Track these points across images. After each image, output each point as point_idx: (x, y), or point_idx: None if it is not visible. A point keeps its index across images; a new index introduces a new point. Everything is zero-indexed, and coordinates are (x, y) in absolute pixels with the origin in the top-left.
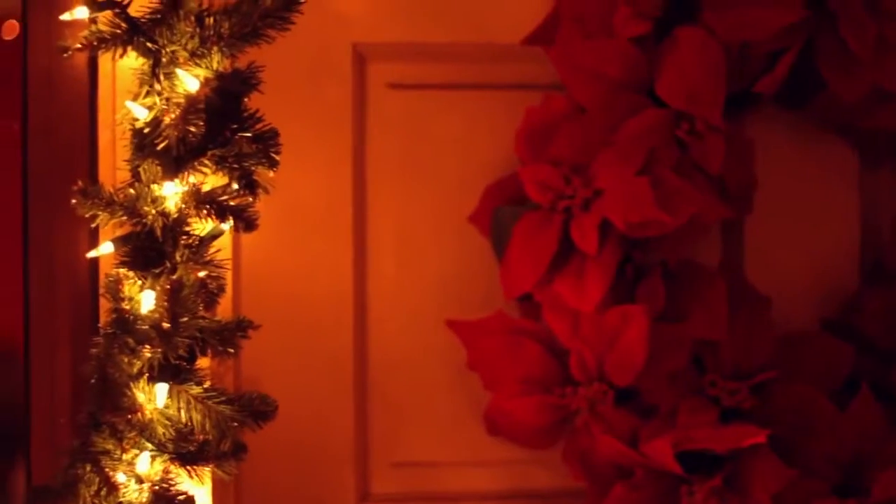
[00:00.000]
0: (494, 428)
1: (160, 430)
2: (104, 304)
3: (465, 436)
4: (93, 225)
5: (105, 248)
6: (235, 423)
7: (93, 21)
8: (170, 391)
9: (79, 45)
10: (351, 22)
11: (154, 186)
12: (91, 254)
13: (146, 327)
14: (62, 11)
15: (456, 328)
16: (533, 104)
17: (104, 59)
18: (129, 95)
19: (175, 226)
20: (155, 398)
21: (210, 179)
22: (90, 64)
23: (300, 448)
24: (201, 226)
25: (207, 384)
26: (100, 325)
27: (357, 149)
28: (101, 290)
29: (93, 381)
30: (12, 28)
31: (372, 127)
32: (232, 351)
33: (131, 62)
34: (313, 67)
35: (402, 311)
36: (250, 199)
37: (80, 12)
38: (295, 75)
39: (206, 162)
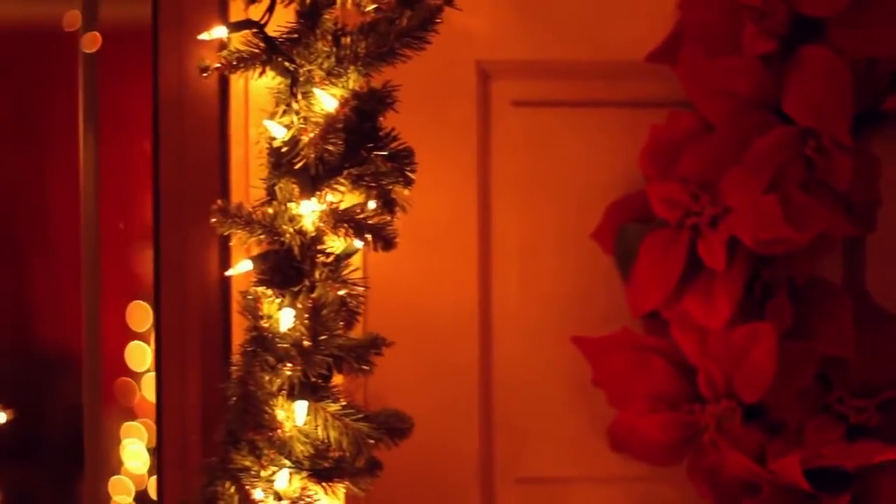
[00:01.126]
0: (619, 444)
1: (298, 447)
2: (236, 322)
3: (589, 452)
4: (231, 243)
5: (243, 267)
6: (372, 441)
7: (225, 40)
8: (308, 408)
9: (218, 65)
10: (475, 40)
11: (291, 205)
12: (230, 272)
13: (286, 345)
14: (192, 30)
15: (581, 345)
16: (656, 121)
17: (236, 77)
18: (261, 113)
19: (312, 244)
20: (294, 416)
21: (346, 198)
22: (221, 82)
23: (425, 463)
24: (334, 244)
25: (344, 402)
26: (231, 343)
27: (481, 166)
28: (240, 309)
29: (233, 398)
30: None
31: (496, 144)
32: (366, 368)
33: (265, 81)
34: (438, 85)
35: (525, 328)
36: (388, 217)
37: (219, 32)
38: (420, 93)
39: (343, 181)
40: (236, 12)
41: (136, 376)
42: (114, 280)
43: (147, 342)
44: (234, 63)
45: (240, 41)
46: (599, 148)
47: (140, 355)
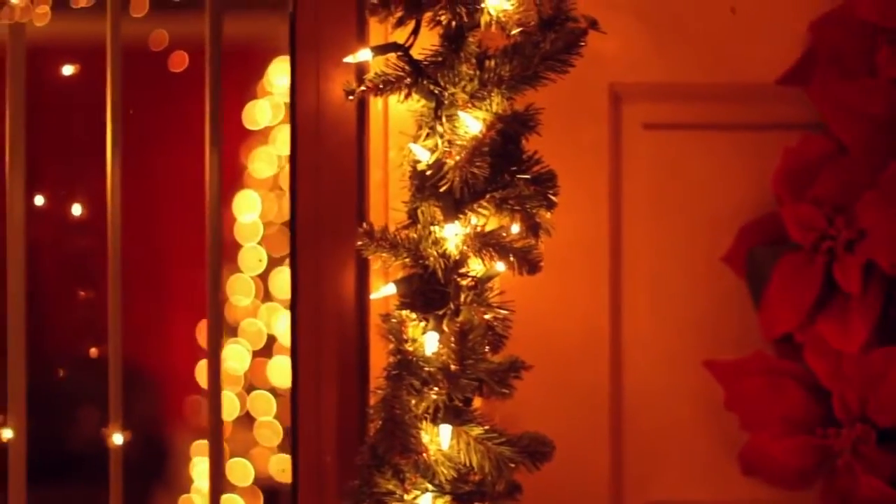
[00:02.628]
0: (751, 468)
1: (442, 470)
2: (373, 344)
3: (720, 475)
4: (372, 266)
5: (387, 290)
6: (513, 465)
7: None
8: (451, 432)
9: (364, 88)
10: (608, 62)
11: (435, 228)
12: (374, 295)
13: (432, 369)
14: (330, 53)
15: (713, 368)
16: (787, 144)
17: (374, 100)
18: (401, 136)
19: (455, 267)
20: (438, 439)
21: (483, 221)
22: (359, 105)
23: (556, 485)
24: (475, 267)
25: (486, 425)
26: (369, 365)
27: (613, 188)
28: (381, 331)
29: (379, 421)
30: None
31: (626, 167)
32: (507, 392)
33: (407, 103)
34: (570, 108)
35: (656, 350)
36: (533, 241)
37: (364, 55)
38: (552, 115)
39: (487, 204)
40: (376, 35)
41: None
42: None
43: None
44: (381, 86)
45: (384, 64)
46: (730, 170)
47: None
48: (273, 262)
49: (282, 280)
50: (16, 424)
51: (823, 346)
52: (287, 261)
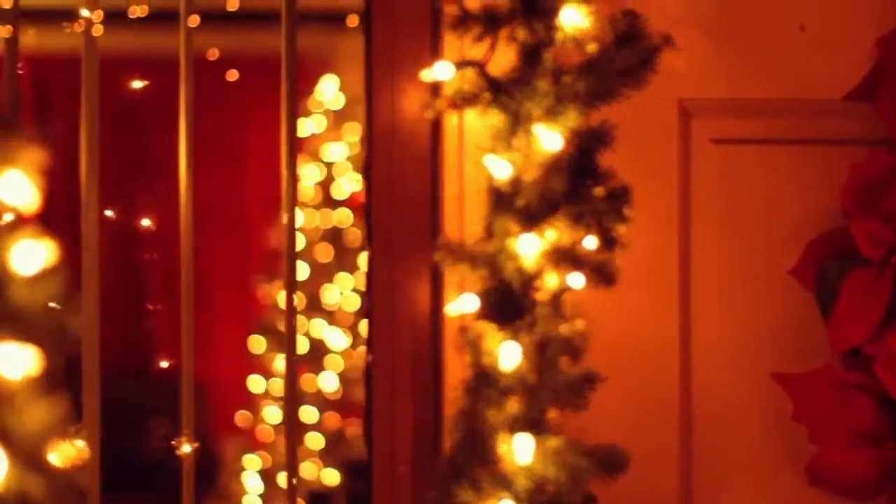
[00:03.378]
0: (818, 479)
1: (520, 481)
2: (447, 356)
3: (786, 487)
4: (446, 279)
5: (465, 303)
6: (589, 475)
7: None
8: (530, 441)
9: (441, 103)
10: (677, 78)
11: (511, 241)
12: (452, 308)
13: (510, 381)
14: (405, 69)
15: (782, 381)
16: (854, 159)
17: (449, 115)
18: (476, 150)
19: (531, 281)
20: (516, 450)
21: (558, 235)
22: (433, 120)
23: (626, 495)
24: (550, 280)
25: (562, 436)
26: (443, 377)
27: (681, 203)
28: (458, 344)
29: (458, 432)
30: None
31: (696, 181)
32: (581, 403)
33: (482, 118)
34: (640, 123)
35: (724, 363)
36: (608, 254)
37: (442, 70)
38: (621, 130)
39: (563, 218)
40: (450, 51)
41: (256, 407)
42: (233, 311)
43: (263, 373)
44: (458, 101)
45: (461, 80)
46: (798, 185)
47: (258, 386)
48: (319, 274)
49: (329, 293)
50: (89, 435)
51: (893, 358)
52: (334, 274)
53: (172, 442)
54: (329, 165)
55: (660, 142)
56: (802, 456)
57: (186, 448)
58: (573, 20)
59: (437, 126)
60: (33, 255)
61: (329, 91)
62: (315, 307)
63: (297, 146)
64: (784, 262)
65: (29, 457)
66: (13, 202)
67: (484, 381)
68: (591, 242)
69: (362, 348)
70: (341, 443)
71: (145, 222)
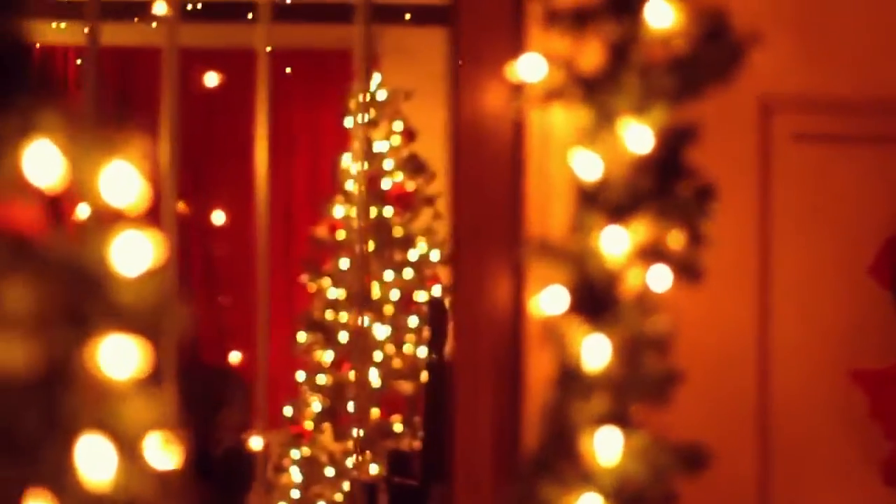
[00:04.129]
0: (893, 478)
1: (605, 477)
2: (529, 351)
3: (861, 484)
4: (527, 274)
5: (551, 298)
6: (673, 471)
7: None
8: (615, 437)
9: (529, 100)
10: (758, 74)
11: (598, 237)
12: (537, 304)
13: (597, 377)
14: (488, 64)
15: (858, 378)
16: None
17: (534, 111)
18: (559, 147)
19: (618, 276)
20: (601, 446)
21: (644, 231)
22: (517, 116)
23: (703, 494)
24: (637, 276)
25: (646, 433)
26: (523, 372)
27: (761, 199)
28: (546, 340)
29: (545, 428)
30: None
31: (776, 178)
32: (664, 400)
33: (568, 114)
34: (720, 119)
35: (802, 360)
36: (695, 250)
37: (529, 66)
38: (701, 126)
39: (649, 214)
40: (534, 47)
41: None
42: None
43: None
44: (546, 98)
45: (546, 75)
46: (878, 182)
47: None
48: (361, 267)
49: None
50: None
51: None
52: (377, 267)
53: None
54: (373, 159)
55: (739, 138)
56: (879, 454)
57: (257, 441)
58: (660, 16)
59: (520, 122)
60: (141, 252)
61: (373, 85)
62: (357, 300)
63: (342, 139)
64: (864, 259)
65: (135, 454)
66: (120, 196)
67: (570, 376)
68: (677, 238)
69: (409, 346)
70: (384, 434)
71: (202, 213)
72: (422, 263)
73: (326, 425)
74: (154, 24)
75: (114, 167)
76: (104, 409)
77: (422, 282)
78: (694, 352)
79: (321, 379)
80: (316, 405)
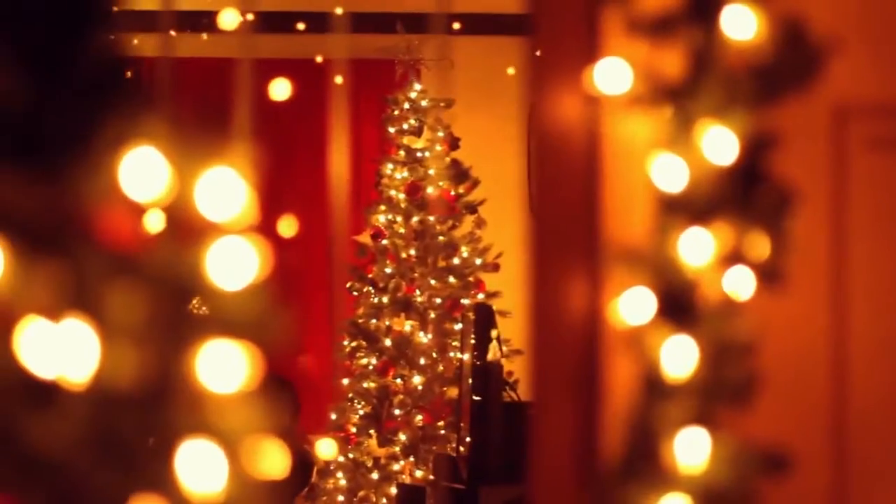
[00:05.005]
0: None
1: (688, 481)
2: (608, 357)
3: None
4: (613, 280)
5: (634, 303)
6: (755, 476)
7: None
8: (699, 441)
9: (608, 106)
10: (832, 80)
11: (679, 242)
12: (619, 309)
13: (681, 380)
14: (566, 73)
15: None
16: None
17: (613, 116)
18: (639, 153)
19: (700, 281)
20: (685, 449)
21: (726, 236)
22: (595, 121)
23: (776, 497)
24: (720, 282)
25: (728, 436)
26: (601, 378)
27: (837, 206)
28: (628, 345)
29: (628, 432)
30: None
31: (851, 184)
32: (746, 406)
33: (650, 120)
34: (793, 125)
35: (881, 368)
36: (777, 256)
37: (609, 71)
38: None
39: (731, 220)
40: (612, 53)
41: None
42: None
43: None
44: (627, 104)
45: (628, 82)
46: None
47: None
48: (403, 274)
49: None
50: None
51: None
52: (420, 273)
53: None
54: (415, 165)
55: (812, 145)
56: None
57: (328, 446)
58: (741, 23)
59: (598, 129)
60: (246, 262)
61: (416, 92)
62: (401, 306)
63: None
64: None
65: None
66: (225, 205)
67: (653, 382)
68: (758, 244)
69: (454, 353)
70: (429, 439)
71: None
72: (465, 269)
73: (371, 430)
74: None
75: (218, 176)
76: (209, 419)
77: (465, 288)
78: (770, 357)
79: (366, 384)
80: (361, 410)
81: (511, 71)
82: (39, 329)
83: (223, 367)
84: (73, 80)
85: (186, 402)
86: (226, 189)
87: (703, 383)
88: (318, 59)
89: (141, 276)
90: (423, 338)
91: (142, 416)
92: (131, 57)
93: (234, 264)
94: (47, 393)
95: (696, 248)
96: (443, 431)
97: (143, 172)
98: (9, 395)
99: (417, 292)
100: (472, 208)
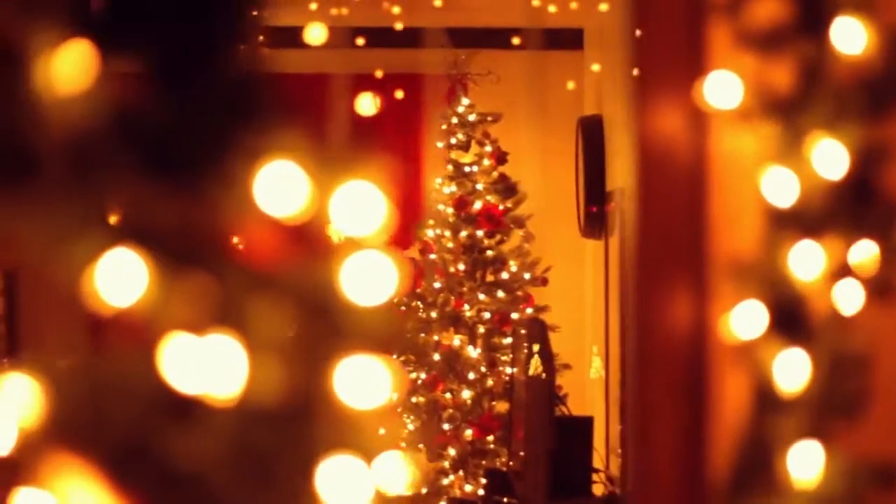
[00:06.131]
0: None
1: (801, 496)
2: (714, 374)
3: None
4: (722, 293)
5: (745, 318)
6: (867, 488)
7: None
8: (812, 455)
9: (716, 119)
10: None
11: (790, 255)
12: (730, 324)
13: (794, 395)
14: (670, 86)
15: None
16: None
17: (719, 128)
18: (746, 166)
19: (812, 294)
20: (800, 465)
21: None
22: (701, 133)
23: None
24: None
25: (840, 451)
26: (707, 392)
27: None
28: (738, 359)
29: (739, 448)
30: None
31: None
32: (859, 419)
33: (759, 133)
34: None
35: None
36: (886, 270)
37: (716, 86)
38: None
39: (844, 233)
40: (718, 66)
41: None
42: None
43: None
44: (736, 117)
45: (737, 95)
46: None
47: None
48: (451, 288)
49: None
50: None
51: None
52: (469, 287)
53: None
54: (463, 179)
55: None
56: None
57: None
58: (851, 36)
59: (704, 142)
60: (384, 276)
61: (463, 107)
62: (450, 320)
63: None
64: None
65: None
66: (363, 219)
67: (765, 394)
68: (870, 256)
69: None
70: (479, 453)
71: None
72: (513, 284)
73: (421, 445)
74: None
75: (356, 189)
76: (350, 435)
77: (514, 302)
78: (881, 370)
79: (415, 399)
80: (410, 425)
81: (570, 85)
82: (184, 344)
83: (365, 382)
84: (209, 95)
85: (328, 418)
86: (364, 202)
87: (816, 397)
88: (378, 73)
89: (281, 291)
90: (472, 352)
91: (283, 431)
92: (266, 71)
93: (372, 279)
94: (190, 408)
95: (807, 261)
96: (492, 446)
97: (280, 186)
98: (152, 411)
99: (466, 307)
100: (520, 222)
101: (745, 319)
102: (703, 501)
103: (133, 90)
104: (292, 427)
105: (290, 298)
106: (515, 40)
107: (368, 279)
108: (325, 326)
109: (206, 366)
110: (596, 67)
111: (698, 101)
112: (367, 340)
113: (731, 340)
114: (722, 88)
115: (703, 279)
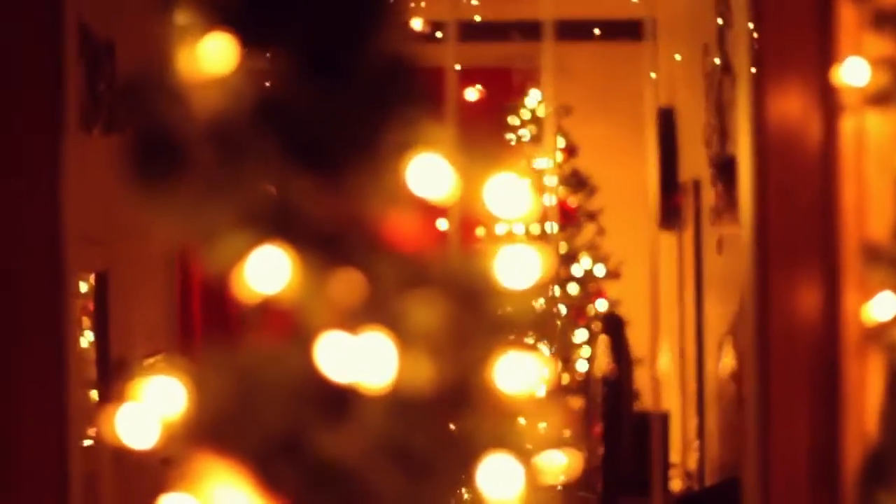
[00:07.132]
0: None
1: None
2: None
3: None
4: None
5: (882, 304)
6: None
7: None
8: None
9: (848, 104)
10: None
11: None
12: (868, 310)
13: None
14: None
15: None
16: None
17: (847, 115)
18: (877, 152)
19: None
20: None
21: None
22: (828, 121)
23: None
24: None
25: None
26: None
27: None
28: (876, 347)
29: (880, 436)
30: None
31: None
32: None
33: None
34: None
35: None
36: None
37: (852, 71)
38: None
39: None
40: (846, 50)
41: None
42: None
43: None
44: (870, 101)
45: (871, 79)
46: None
47: None
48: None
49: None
50: None
51: None
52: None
53: None
54: (537, 175)
55: None
56: None
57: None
58: None
59: (834, 127)
60: (529, 266)
61: (534, 101)
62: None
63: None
64: None
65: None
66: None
67: None
68: None
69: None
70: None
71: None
72: (586, 279)
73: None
74: None
75: (504, 181)
76: (505, 426)
77: (587, 297)
78: None
79: None
80: None
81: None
82: (336, 337)
83: (522, 372)
84: (359, 84)
85: (483, 409)
86: (512, 193)
87: None
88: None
89: (433, 281)
90: (546, 348)
91: (437, 423)
92: (415, 64)
93: (522, 267)
94: (343, 401)
95: None
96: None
97: (430, 177)
98: (304, 403)
99: (541, 300)
100: (592, 216)
101: (885, 306)
102: (838, 493)
103: (283, 82)
104: (445, 418)
105: (441, 288)
106: (592, 31)
107: (518, 268)
108: (478, 317)
109: (359, 357)
110: (678, 57)
111: (830, 85)
112: (516, 329)
113: (871, 327)
114: (854, 73)
115: (833, 266)
